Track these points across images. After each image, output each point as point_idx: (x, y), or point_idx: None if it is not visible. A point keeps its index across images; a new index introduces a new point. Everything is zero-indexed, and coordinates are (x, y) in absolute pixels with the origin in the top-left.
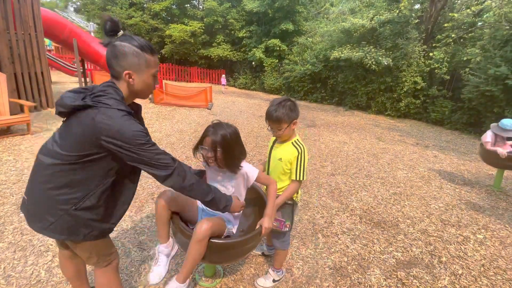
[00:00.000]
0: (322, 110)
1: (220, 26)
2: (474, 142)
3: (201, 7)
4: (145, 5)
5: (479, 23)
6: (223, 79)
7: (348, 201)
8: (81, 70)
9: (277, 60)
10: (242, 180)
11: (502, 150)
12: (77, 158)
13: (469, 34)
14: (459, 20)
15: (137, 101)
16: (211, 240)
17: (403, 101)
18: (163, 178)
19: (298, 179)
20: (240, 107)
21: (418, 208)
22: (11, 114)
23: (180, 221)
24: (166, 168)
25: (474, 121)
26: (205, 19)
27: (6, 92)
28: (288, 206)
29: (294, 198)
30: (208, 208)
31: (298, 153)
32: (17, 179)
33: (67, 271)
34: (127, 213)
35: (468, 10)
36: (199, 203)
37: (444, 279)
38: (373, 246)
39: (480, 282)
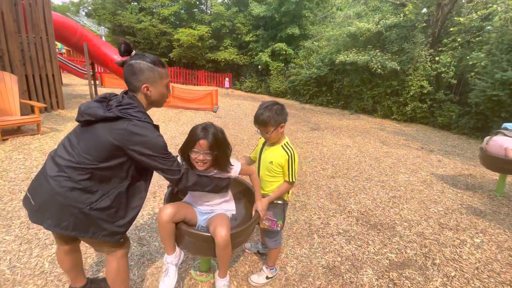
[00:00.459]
0: (327, 114)
1: (227, 30)
2: None
3: (209, 11)
4: (154, 9)
5: (488, 27)
6: (227, 82)
7: (346, 203)
8: (91, 72)
9: (283, 64)
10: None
11: None
12: (99, 161)
13: (477, 38)
14: (466, 25)
15: None
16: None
17: (409, 105)
18: (176, 181)
19: (290, 180)
20: (245, 110)
21: (416, 211)
22: (21, 115)
23: (189, 227)
24: (177, 173)
25: (481, 125)
26: (212, 24)
27: (17, 93)
28: (280, 206)
29: (285, 198)
30: (212, 195)
31: (289, 156)
32: (26, 177)
33: (64, 264)
34: None
35: (475, 14)
36: (194, 205)
37: (436, 280)
38: (368, 247)
39: (473, 284)
